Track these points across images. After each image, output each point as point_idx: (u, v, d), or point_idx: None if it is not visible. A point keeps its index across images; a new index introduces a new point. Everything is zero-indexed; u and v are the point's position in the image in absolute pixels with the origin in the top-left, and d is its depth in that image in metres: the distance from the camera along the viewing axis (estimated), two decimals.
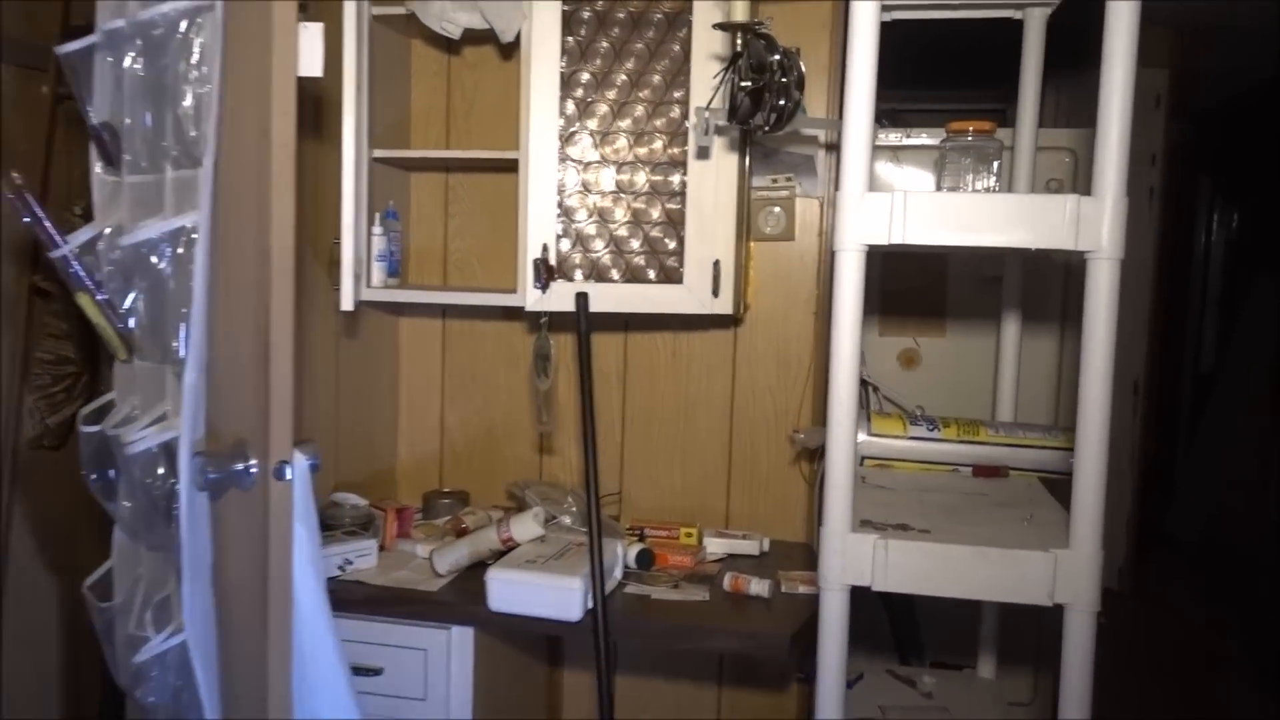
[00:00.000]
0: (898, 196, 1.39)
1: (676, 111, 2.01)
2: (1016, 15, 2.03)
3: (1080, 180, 2.28)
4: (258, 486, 1.36)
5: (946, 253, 2.43)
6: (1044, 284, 2.36)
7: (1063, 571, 1.38)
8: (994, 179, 2.02)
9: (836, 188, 1.43)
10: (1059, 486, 1.93)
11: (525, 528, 1.99)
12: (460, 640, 1.89)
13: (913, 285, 2.37)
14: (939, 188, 2.02)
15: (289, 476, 1.40)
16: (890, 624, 2.36)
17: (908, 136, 2.37)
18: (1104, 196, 1.33)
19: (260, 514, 1.38)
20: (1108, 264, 1.34)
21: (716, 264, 2.02)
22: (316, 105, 2.08)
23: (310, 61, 1.41)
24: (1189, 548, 5.05)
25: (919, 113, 3.32)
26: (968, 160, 2.07)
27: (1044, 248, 1.37)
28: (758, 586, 1.96)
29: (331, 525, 2.13)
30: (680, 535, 2.22)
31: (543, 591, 1.82)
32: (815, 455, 2.18)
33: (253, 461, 1.35)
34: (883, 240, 1.39)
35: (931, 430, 1.91)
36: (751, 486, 2.32)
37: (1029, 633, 2.43)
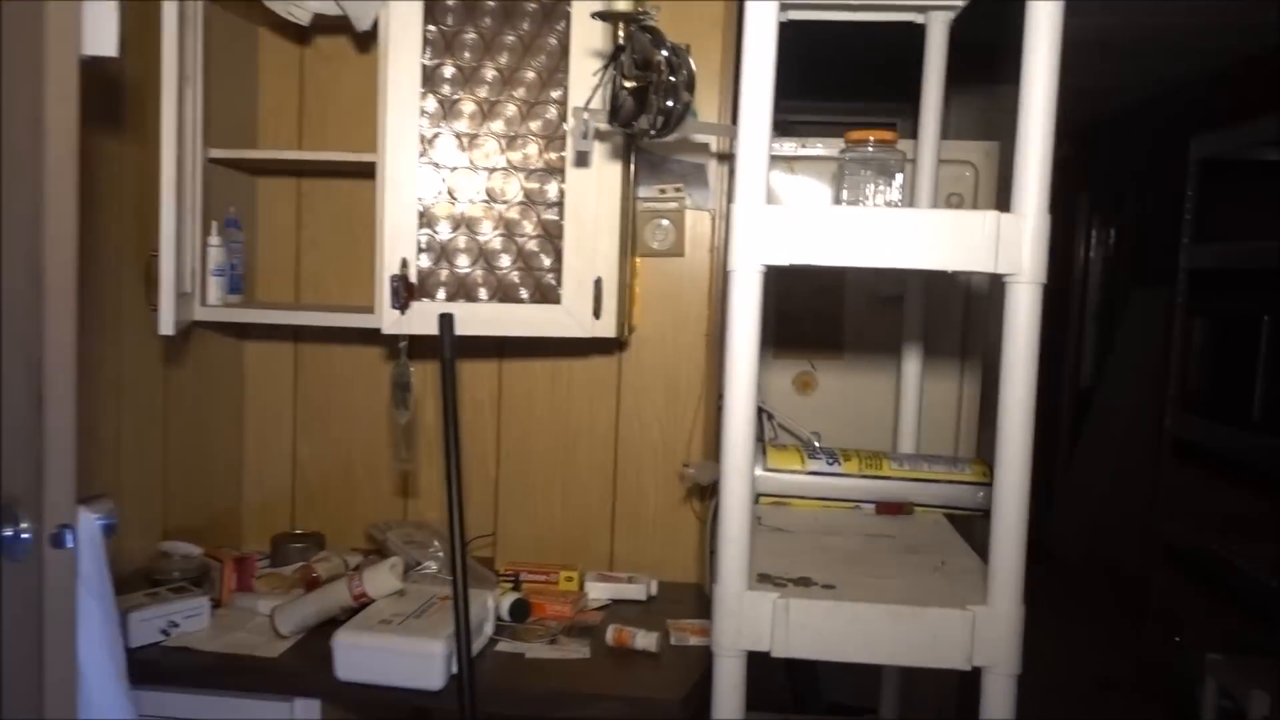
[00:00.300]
0: (802, 211, 1.22)
1: (553, 113, 1.81)
2: (919, 19, 1.90)
3: (981, 195, 2.18)
4: (31, 555, 1.11)
5: (844, 270, 2.29)
6: (945, 303, 2.26)
7: (981, 632, 1.23)
8: (897, 193, 1.89)
9: (730, 200, 1.26)
10: (966, 524, 1.81)
11: (380, 581, 1.75)
12: (305, 715, 1.64)
13: (809, 305, 2.23)
14: (837, 201, 1.87)
15: (70, 543, 1.15)
16: (786, 669, 2.21)
17: (803, 147, 2.23)
18: (1026, 214, 1.19)
19: (34, 589, 1.13)
20: (1029, 288, 1.20)
21: (598, 282, 1.82)
22: (139, 96, 1.81)
23: (100, 39, 1.17)
24: (1071, 564, 5.10)
25: (810, 124, 3.21)
26: (868, 172, 1.93)
27: (961, 270, 1.22)
28: (644, 640, 1.77)
29: (159, 580, 1.85)
30: (560, 579, 2.02)
31: (398, 657, 1.59)
32: (706, 492, 2.00)
33: (24, 525, 1.10)
34: (785, 260, 1.22)
35: (832, 464, 1.75)
36: (638, 524, 2.14)
37: (934, 673, 2.31)
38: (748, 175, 1.21)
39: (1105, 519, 5.05)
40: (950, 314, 2.19)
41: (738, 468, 1.24)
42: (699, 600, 2.00)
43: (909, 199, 1.96)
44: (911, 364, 1.96)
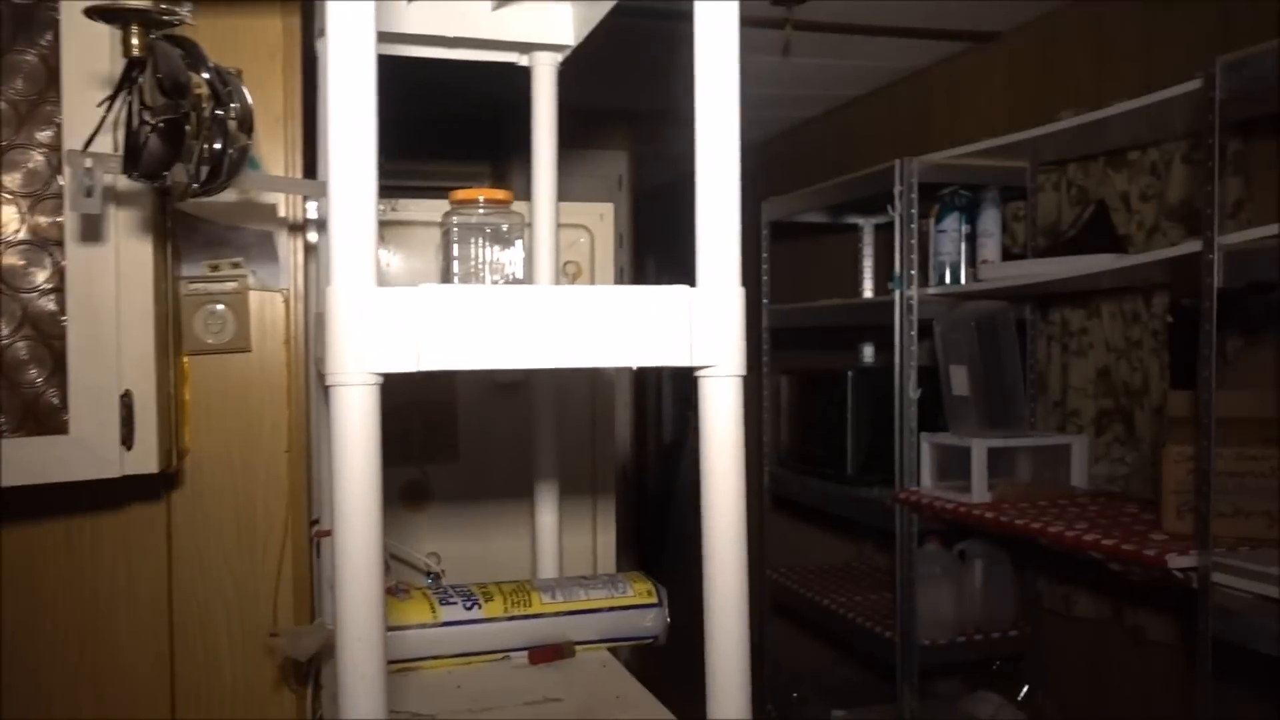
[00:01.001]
0: (434, 295, 0.85)
1: (40, 159, 1.27)
2: (522, 61, 1.63)
3: (598, 263, 1.97)
4: None
5: None
6: (569, 385, 1.99)
7: None
8: (517, 267, 1.59)
9: (318, 277, 0.86)
10: (636, 657, 1.53)
11: None
12: None
13: (416, 396, 1.86)
14: (446, 278, 1.54)
15: None
16: None
17: (394, 210, 1.87)
18: (723, 289, 0.93)
19: None
20: (732, 383, 0.93)
21: (127, 397, 1.30)
22: None
23: None
24: (680, 626, 5.12)
25: (396, 187, 2.81)
26: (481, 240, 1.62)
27: (649, 366, 0.93)
28: None
29: None
30: None
31: None
32: (310, 670, 1.52)
33: None
34: (411, 365, 0.85)
35: (471, 607, 1.38)
36: (213, 713, 1.59)
37: None
38: (351, 244, 0.83)
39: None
40: (577, 394, 1.93)
41: (361, 642, 0.83)
42: None
43: (528, 272, 1.68)
44: (545, 460, 1.66)
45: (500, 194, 1.57)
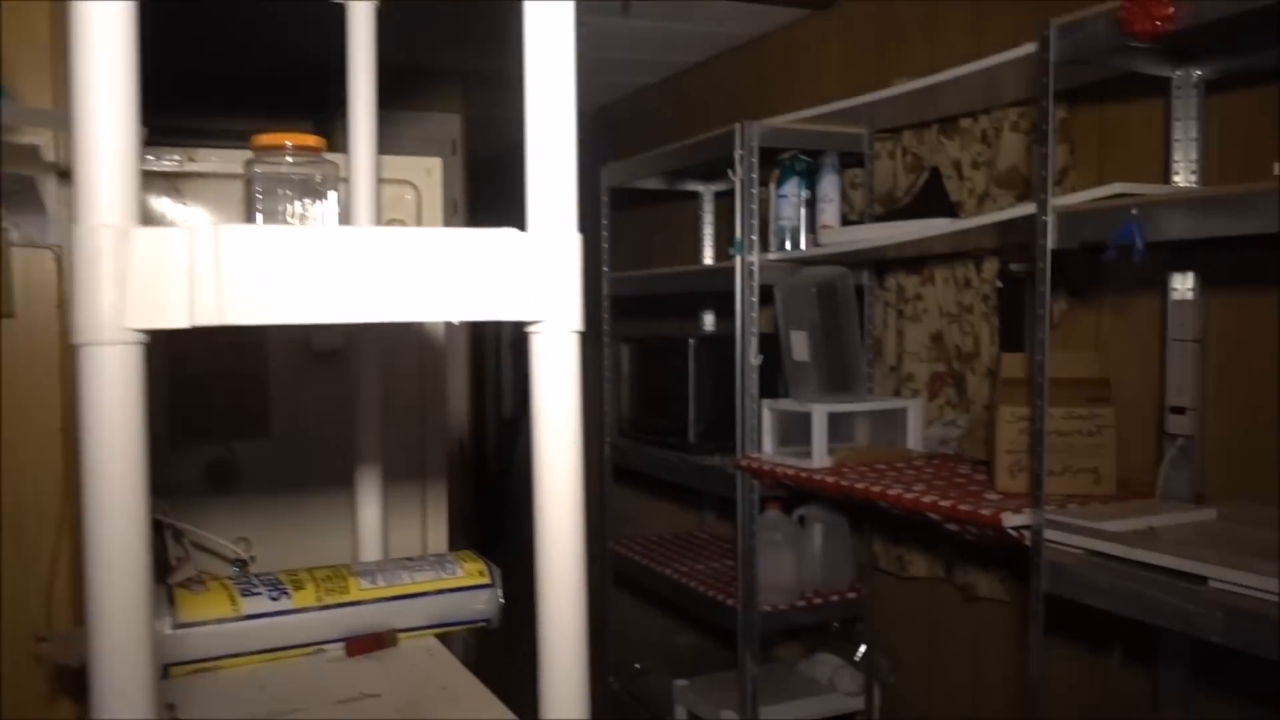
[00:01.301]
0: (209, 237, 0.71)
1: None
2: None
3: (426, 222, 1.82)
4: None
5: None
6: (397, 351, 1.84)
7: None
8: (334, 220, 1.44)
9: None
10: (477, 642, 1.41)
11: None
12: None
13: (218, 365, 1.67)
14: None
15: None
16: None
17: (192, 161, 1.66)
18: (558, 234, 0.83)
19: None
20: (568, 339, 0.83)
21: None
22: None
23: None
24: (522, 599, 5.01)
25: (201, 139, 2.54)
26: (288, 192, 1.46)
27: (474, 320, 0.82)
28: None
29: None
30: None
31: None
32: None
33: None
34: (183, 321, 0.71)
35: (278, 598, 1.24)
36: None
37: None
38: (102, 173, 0.68)
39: None
40: (404, 363, 1.78)
41: (119, 653, 0.69)
42: None
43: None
44: (368, 437, 1.52)
45: (310, 139, 1.41)
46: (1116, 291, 2.20)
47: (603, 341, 3.46)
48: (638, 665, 3.40)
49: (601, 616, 3.58)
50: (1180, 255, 1.94)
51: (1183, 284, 1.94)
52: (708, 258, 3.58)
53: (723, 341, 2.77)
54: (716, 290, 2.76)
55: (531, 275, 0.82)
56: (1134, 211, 1.57)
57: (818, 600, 2.74)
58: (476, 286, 0.81)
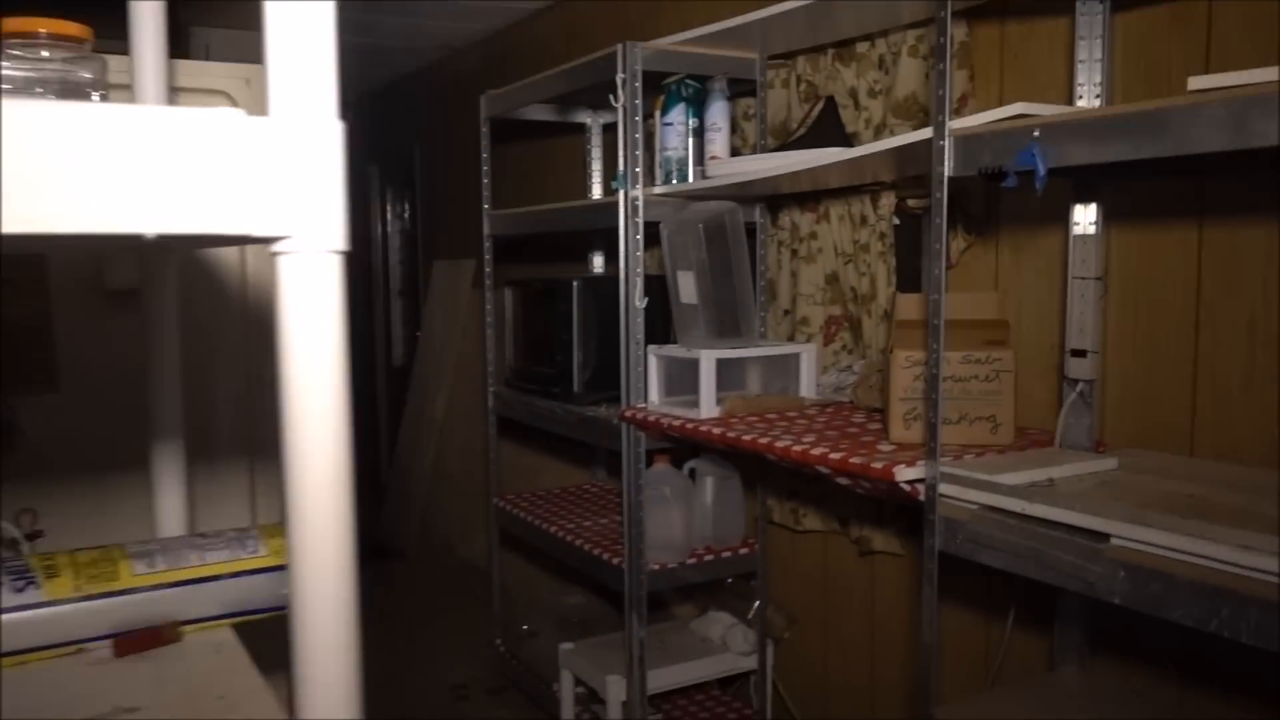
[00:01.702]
0: None
1: None
2: None
3: None
4: None
5: (44, 251, 1.50)
6: (216, 290, 1.59)
7: None
8: None
9: None
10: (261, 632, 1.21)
11: None
12: None
13: None
14: None
15: None
16: None
17: None
18: (309, 119, 0.62)
19: None
20: (326, 262, 0.63)
21: None
22: None
23: None
24: (412, 558, 4.80)
25: None
26: (46, 95, 1.21)
27: (186, 234, 0.60)
28: None
29: None
30: None
31: None
32: None
33: None
34: None
35: (23, 589, 1.01)
36: None
37: None
38: None
39: (439, 504, 4.84)
40: (227, 305, 1.54)
41: None
42: None
43: None
44: (164, 389, 1.29)
45: (73, 28, 1.15)
46: (1017, 227, 2.08)
47: (485, 285, 3.23)
48: (525, 627, 3.24)
49: (488, 577, 3.40)
50: (1083, 187, 1.81)
51: (1085, 217, 1.81)
52: (596, 193, 3.36)
53: (609, 284, 2.57)
54: (605, 230, 2.55)
55: (272, 175, 0.61)
56: (1036, 134, 1.42)
57: (709, 557, 2.60)
58: (185, 188, 0.59)
